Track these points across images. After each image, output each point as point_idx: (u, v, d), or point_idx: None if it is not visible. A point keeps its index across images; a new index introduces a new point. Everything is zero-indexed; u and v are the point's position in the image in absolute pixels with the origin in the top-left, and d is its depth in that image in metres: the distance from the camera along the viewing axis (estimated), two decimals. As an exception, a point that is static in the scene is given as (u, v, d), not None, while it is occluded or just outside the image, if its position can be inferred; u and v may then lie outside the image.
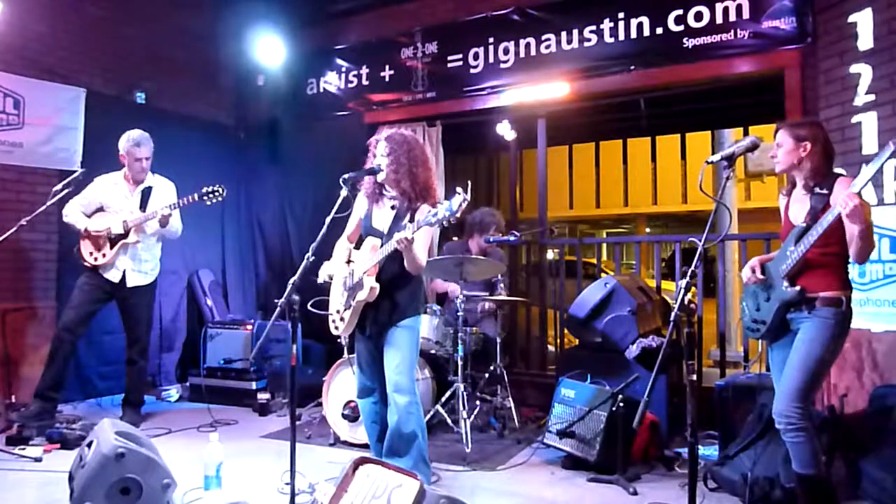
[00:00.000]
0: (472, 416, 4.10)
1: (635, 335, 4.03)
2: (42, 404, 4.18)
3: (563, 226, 19.09)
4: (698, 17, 4.61)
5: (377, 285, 2.97)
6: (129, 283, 4.36)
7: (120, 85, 5.64)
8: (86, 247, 4.37)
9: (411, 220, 2.89)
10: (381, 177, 3.06)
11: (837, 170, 2.81)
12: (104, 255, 4.31)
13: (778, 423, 2.64)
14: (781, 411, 2.61)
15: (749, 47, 4.46)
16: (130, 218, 4.31)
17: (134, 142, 4.34)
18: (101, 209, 4.43)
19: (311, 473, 3.29)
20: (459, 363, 3.98)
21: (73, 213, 4.39)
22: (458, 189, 2.66)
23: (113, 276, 4.34)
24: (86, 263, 4.36)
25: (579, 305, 4.28)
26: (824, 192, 2.65)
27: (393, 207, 3.10)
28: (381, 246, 2.97)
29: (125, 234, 4.30)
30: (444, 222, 2.69)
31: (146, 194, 4.43)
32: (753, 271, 2.82)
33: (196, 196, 4.27)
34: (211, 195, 4.27)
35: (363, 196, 3.20)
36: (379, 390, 3.15)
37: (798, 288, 2.65)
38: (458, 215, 2.66)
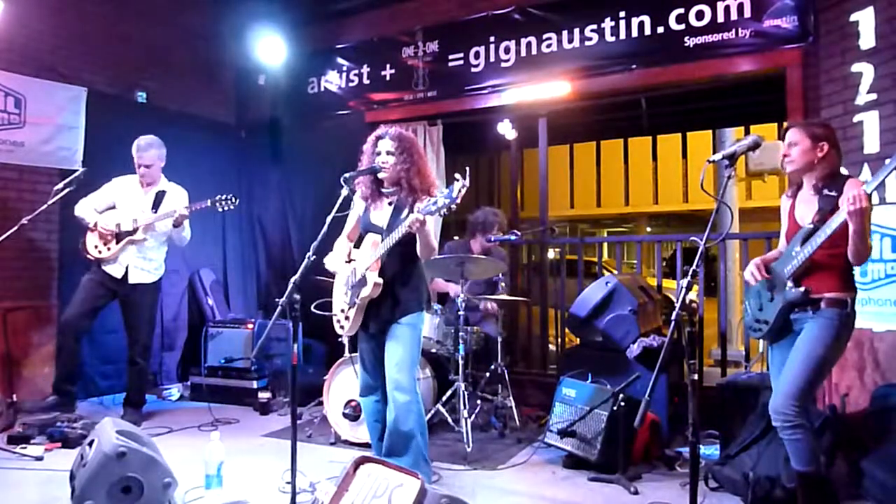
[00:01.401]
0: (473, 416, 4.09)
1: (636, 334, 4.03)
2: (58, 398, 4.31)
3: (564, 225, 19.07)
4: (699, 15, 4.60)
5: (381, 280, 2.97)
6: (132, 280, 4.37)
7: (121, 84, 5.65)
8: (91, 240, 4.40)
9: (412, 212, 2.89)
10: (383, 174, 3.05)
11: (844, 171, 2.80)
12: (108, 249, 4.33)
13: (775, 421, 2.64)
14: (777, 408, 2.61)
15: (750, 46, 4.45)
16: (141, 216, 4.34)
17: (136, 147, 4.40)
18: (112, 207, 4.46)
19: (312, 472, 3.29)
20: (460, 362, 3.98)
21: (85, 209, 4.43)
22: (457, 176, 2.67)
23: (115, 270, 4.36)
24: (89, 256, 4.38)
25: (580, 305, 4.27)
26: (833, 193, 2.62)
27: (391, 204, 3.10)
28: (382, 241, 2.97)
29: (133, 232, 4.33)
30: (445, 210, 2.70)
31: (160, 197, 4.45)
32: (759, 270, 2.80)
33: (209, 202, 4.32)
34: (223, 202, 4.32)
35: (360, 198, 3.19)
36: (382, 389, 3.14)
37: (803, 288, 2.64)
38: (458, 201, 2.66)
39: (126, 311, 4.49)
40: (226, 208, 4.35)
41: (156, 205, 4.42)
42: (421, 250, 2.96)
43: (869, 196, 2.40)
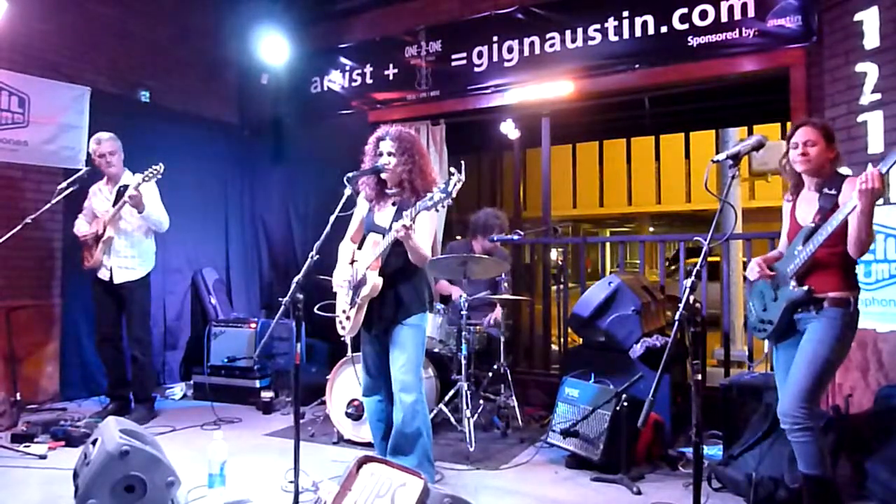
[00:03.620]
0: (476, 415, 4.09)
1: (639, 334, 4.02)
2: (116, 403, 4.51)
3: (566, 225, 19.07)
4: (703, 15, 4.60)
5: (380, 280, 2.96)
6: (117, 280, 4.41)
7: (124, 83, 5.66)
8: (85, 252, 4.49)
9: None
10: (386, 174, 3.04)
11: (841, 170, 2.80)
12: (92, 257, 4.40)
13: (783, 424, 2.63)
14: (787, 411, 2.61)
15: (754, 46, 4.45)
16: (106, 215, 4.38)
17: (94, 140, 4.44)
18: (96, 216, 4.52)
19: (315, 472, 3.30)
20: (463, 362, 3.98)
21: (78, 225, 4.54)
22: (452, 170, 2.67)
23: (104, 274, 4.42)
24: (84, 267, 4.47)
25: (583, 304, 4.27)
26: (833, 192, 2.63)
27: (394, 204, 3.09)
28: (383, 239, 2.96)
29: (103, 233, 4.38)
30: (441, 205, 2.69)
31: (122, 192, 4.42)
32: (761, 268, 2.80)
33: (141, 177, 4.20)
34: (151, 174, 4.21)
35: (363, 199, 3.19)
36: (385, 389, 3.14)
37: (807, 287, 2.64)
38: (453, 196, 2.66)
39: (122, 310, 4.52)
40: (156, 177, 4.22)
41: (118, 200, 4.42)
42: (411, 256, 2.92)
43: (882, 176, 2.37)
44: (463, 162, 2.77)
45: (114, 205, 4.39)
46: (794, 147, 2.73)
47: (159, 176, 4.24)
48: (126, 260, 4.43)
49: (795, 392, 2.59)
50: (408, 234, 2.79)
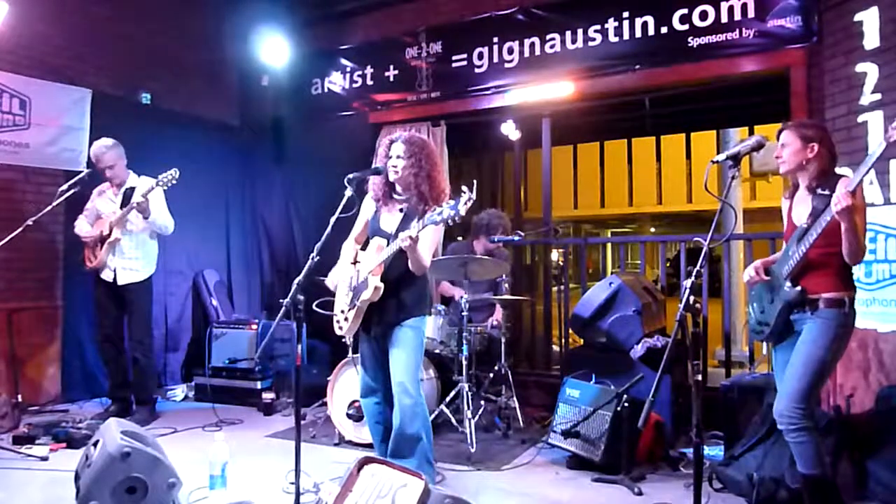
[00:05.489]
0: (477, 416, 4.09)
1: (640, 335, 4.02)
2: (117, 404, 4.54)
3: (567, 225, 19.09)
4: (703, 16, 4.60)
5: (382, 285, 2.96)
6: (120, 281, 4.43)
7: (125, 85, 5.66)
8: (87, 253, 4.51)
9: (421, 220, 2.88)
10: (393, 177, 3.04)
11: (839, 170, 2.80)
12: (96, 257, 4.42)
13: (780, 424, 2.64)
14: (782, 412, 2.61)
15: (754, 46, 4.45)
16: (113, 217, 4.40)
17: (94, 157, 4.46)
18: (100, 217, 4.54)
19: (316, 473, 3.29)
20: (464, 363, 3.98)
21: (79, 225, 4.56)
22: (464, 188, 2.68)
23: (107, 276, 4.44)
24: (87, 268, 4.49)
25: (584, 305, 4.27)
26: (826, 192, 2.63)
27: (401, 210, 3.10)
28: (387, 245, 2.97)
29: (109, 234, 4.39)
30: (449, 221, 2.70)
31: (128, 194, 4.46)
32: (757, 272, 2.81)
33: (155, 183, 4.24)
34: (166, 179, 4.24)
35: (371, 199, 3.19)
36: (382, 391, 3.15)
37: (799, 288, 2.64)
38: (462, 214, 2.67)
39: (124, 312, 4.53)
40: (171, 184, 4.24)
41: (125, 202, 4.43)
42: (411, 265, 2.94)
43: (853, 193, 2.41)
44: (476, 181, 2.79)
45: (121, 207, 4.41)
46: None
47: (174, 182, 4.26)
48: (130, 261, 4.45)
49: (790, 393, 2.60)
50: (413, 245, 2.81)
